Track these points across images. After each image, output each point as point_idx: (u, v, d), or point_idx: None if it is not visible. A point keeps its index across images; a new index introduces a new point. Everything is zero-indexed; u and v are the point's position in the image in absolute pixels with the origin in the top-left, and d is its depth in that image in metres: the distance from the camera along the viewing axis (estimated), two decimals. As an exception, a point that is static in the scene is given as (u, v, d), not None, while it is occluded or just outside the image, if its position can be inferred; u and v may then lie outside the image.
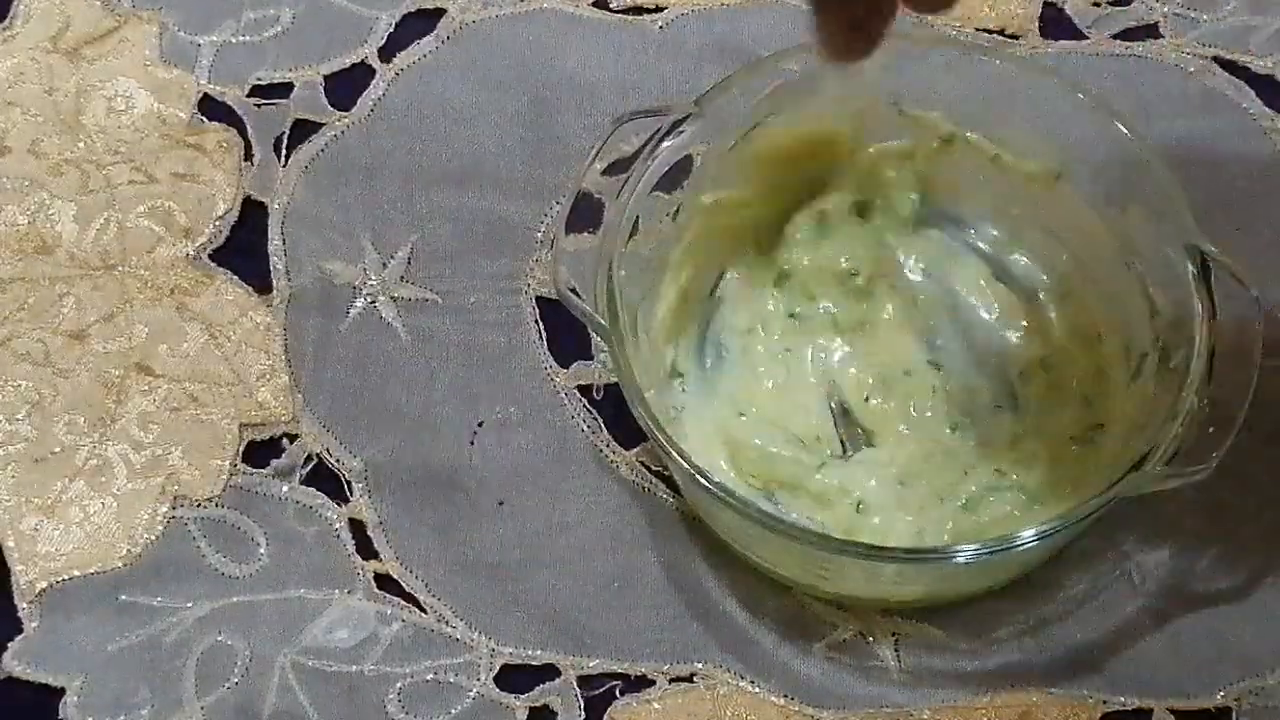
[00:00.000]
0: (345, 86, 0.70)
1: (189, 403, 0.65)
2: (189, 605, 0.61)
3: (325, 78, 0.70)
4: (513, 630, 0.61)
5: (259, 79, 0.70)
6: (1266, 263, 0.63)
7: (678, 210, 0.62)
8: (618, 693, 0.60)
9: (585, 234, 0.59)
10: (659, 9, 0.71)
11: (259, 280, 0.67)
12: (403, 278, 0.67)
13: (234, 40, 0.71)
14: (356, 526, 0.63)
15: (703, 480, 0.56)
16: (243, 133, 0.69)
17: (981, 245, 0.65)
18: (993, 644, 0.61)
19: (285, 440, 0.64)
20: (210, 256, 0.67)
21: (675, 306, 0.63)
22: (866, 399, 0.62)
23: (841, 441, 0.62)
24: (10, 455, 0.64)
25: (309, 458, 0.64)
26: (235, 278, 0.67)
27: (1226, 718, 0.60)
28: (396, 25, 0.71)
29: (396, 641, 0.61)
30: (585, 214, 0.59)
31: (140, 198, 0.68)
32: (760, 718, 0.60)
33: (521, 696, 0.60)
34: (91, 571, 0.62)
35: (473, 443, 0.64)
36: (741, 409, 0.62)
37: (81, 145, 0.69)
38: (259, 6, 0.71)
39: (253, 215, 0.68)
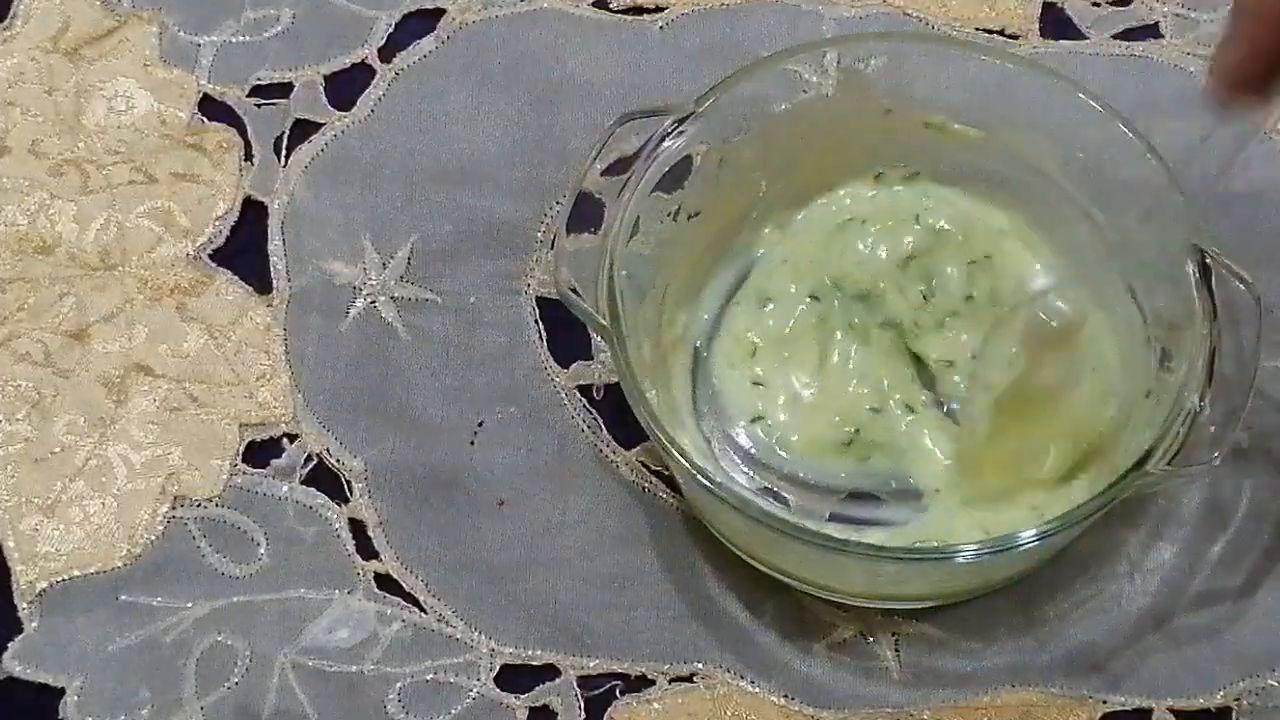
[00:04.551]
0: (345, 86, 0.70)
1: (189, 403, 0.65)
2: (189, 605, 0.61)
3: (325, 78, 0.70)
4: (513, 630, 0.61)
5: (259, 79, 0.70)
6: (1266, 263, 0.63)
7: (678, 210, 0.62)
8: (618, 693, 0.60)
9: (585, 234, 0.59)
10: (659, 9, 0.71)
11: (259, 280, 0.67)
12: (403, 278, 0.67)
13: (234, 40, 0.71)
14: (356, 526, 0.63)
15: (703, 480, 0.56)
16: (243, 133, 0.69)
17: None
18: (993, 644, 0.61)
19: (285, 440, 0.64)
20: (210, 256, 0.67)
21: None
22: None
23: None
24: (10, 455, 0.64)
25: (309, 458, 0.64)
26: (235, 278, 0.67)
27: (1226, 718, 0.60)
28: (396, 25, 0.71)
29: (396, 641, 0.61)
30: (585, 214, 0.59)
31: (140, 198, 0.68)
32: (760, 718, 0.60)
33: (521, 696, 0.60)
34: (91, 571, 0.62)
35: (473, 443, 0.64)
36: None
37: (81, 145, 0.69)
38: (259, 6, 0.71)
39: (253, 215, 0.68)
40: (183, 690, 0.60)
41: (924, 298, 0.64)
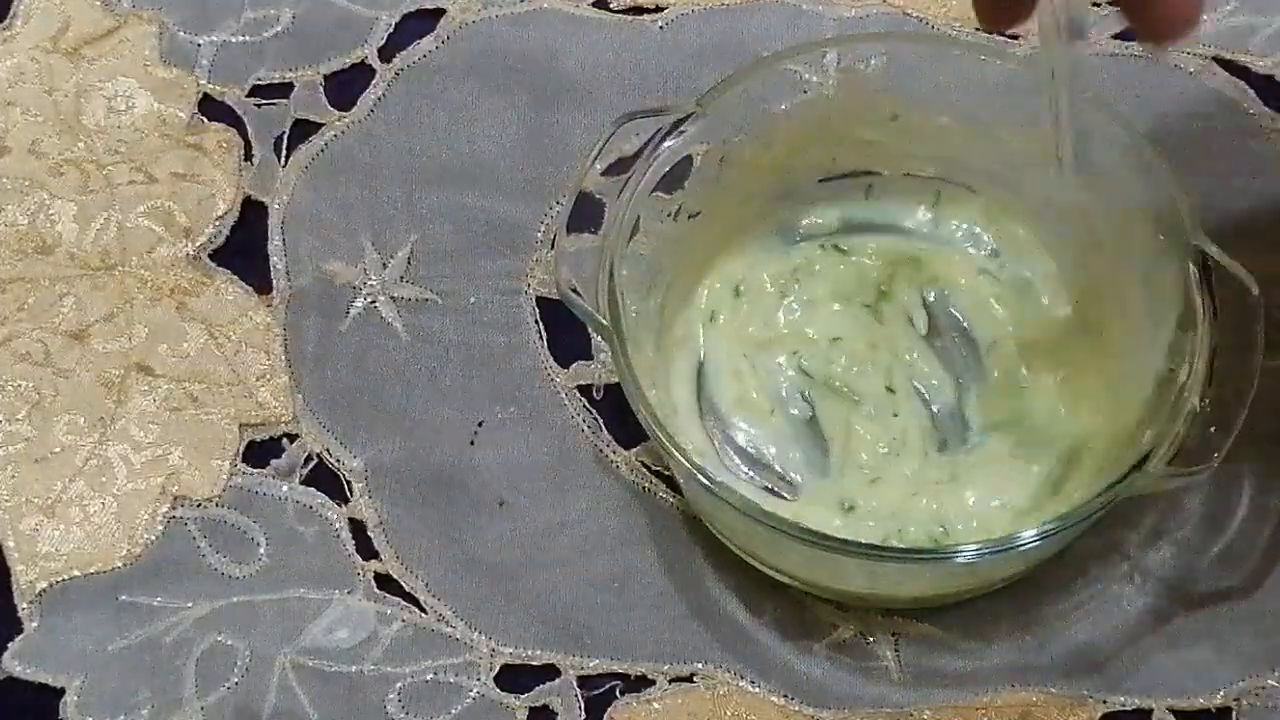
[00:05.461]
0: (345, 86, 0.70)
1: (189, 403, 0.65)
2: (189, 605, 0.61)
3: (325, 78, 0.70)
4: (513, 630, 0.61)
5: (259, 79, 0.70)
6: (1266, 263, 0.63)
7: (678, 210, 0.62)
8: (618, 693, 0.60)
9: (586, 234, 0.59)
10: (659, 9, 0.71)
11: (259, 280, 0.67)
12: (403, 278, 0.67)
13: (234, 40, 0.71)
14: (356, 526, 0.63)
15: (703, 480, 0.56)
16: (243, 133, 0.69)
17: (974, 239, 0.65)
18: (993, 644, 0.61)
19: (285, 440, 0.64)
20: (210, 256, 0.67)
21: None
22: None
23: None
24: (10, 455, 0.64)
25: (309, 458, 0.64)
26: (235, 278, 0.67)
27: (1226, 718, 0.60)
28: (396, 25, 0.71)
29: (396, 641, 0.61)
30: (585, 214, 0.59)
31: (140, 198, 0.68)
32: (760, 718, 0.60)
33: (521, 696, 0.60)
34: (91, 571, 0.62)
35: (473, 443, 0.64)
36: None
37: (81, 145, 0.69)
38: (259, 6, 0.71)
39: (253, 215, 0.68)
40: (183, 690, 0.60)
41: (924, 298, 0.64)
